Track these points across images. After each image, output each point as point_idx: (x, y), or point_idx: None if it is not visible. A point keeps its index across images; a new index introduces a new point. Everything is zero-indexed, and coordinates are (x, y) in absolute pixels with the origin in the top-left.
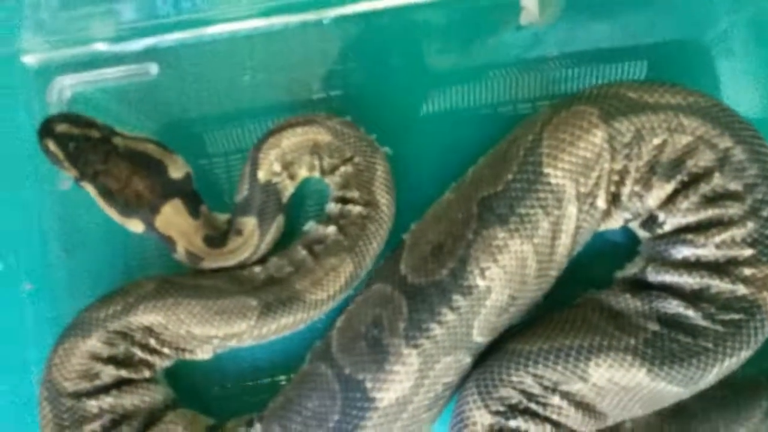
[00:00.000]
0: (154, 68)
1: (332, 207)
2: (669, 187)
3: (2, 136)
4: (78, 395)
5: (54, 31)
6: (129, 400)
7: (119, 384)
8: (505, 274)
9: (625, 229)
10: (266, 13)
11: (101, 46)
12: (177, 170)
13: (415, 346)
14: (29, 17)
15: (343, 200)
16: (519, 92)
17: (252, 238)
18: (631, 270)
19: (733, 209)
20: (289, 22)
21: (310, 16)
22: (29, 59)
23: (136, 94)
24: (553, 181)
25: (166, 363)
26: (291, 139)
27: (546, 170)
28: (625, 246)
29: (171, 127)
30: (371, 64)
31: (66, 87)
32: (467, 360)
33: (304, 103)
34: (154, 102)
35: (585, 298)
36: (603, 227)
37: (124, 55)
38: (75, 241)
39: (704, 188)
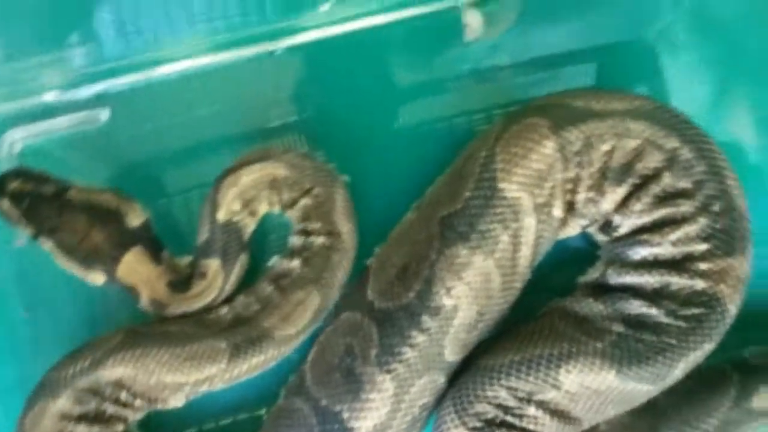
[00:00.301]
0: (105, 114)
1: (295, 240)
2: (621, 191)
3: None
4: None
5: (1, 84)
6: None
7: None
8: (471, 290)
9: (585, 235)
10: (215, 48)
11: (51, 96)
12: (135, 217)
13: (389, 372)
14: None
15: (305, 233)
16: (474, 104)
17: (216, 280)
18: (592, 275)
19: (685, 207)
20: (240, 56)
21: (260, 49)
22: None
23: (88, 142)
24: (509, 195)
25: (139, 415)
26: (249, 177)
27: (501, 185)
28: (586, 252)
29: (126, 171)
30: (325, 90)
31: (16, 140)
32: (441, 380)
33: (261, 132)
34: (107, 147)
35: (550, 307)
36: (562, 235)
37: (74, 102)
38: (36, 299)
39: (655, 189)
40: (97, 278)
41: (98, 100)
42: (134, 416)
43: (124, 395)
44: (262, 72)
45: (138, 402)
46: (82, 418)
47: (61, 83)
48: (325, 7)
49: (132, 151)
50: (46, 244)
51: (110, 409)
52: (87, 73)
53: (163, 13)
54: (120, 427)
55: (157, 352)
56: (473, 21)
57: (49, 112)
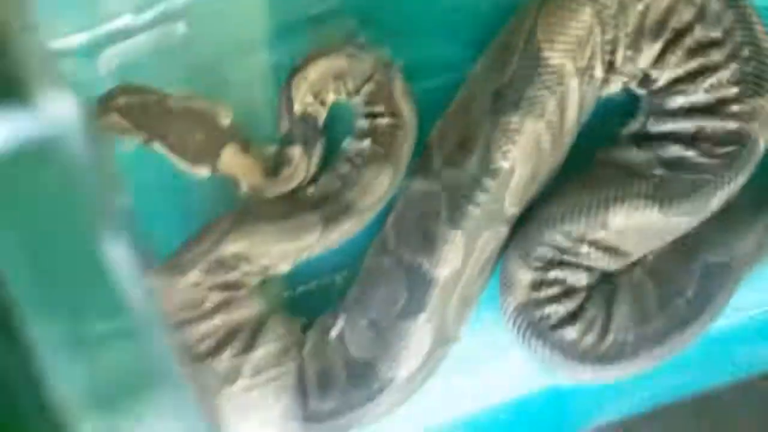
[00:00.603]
0: (182, 27)
1: (362, 122)
2: (657, 47)
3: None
4: (191, 321)
5: (88, 11)
6: (234, 316)
7: (222, 305)
8: (525, 152)
9: (626, 90)
10: None
11: (129, 18)
12: (225, 118)
13: (459, 228)
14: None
15: (371, 115)
16: None
17: (301, 164)
18: (634, 126)
19: (716, 55)
20: None
21: None
22: (74, 41)
23: (170, 55)
24: (552, 62)
25: (256, 279)
26: (315, 72)
27: (545, 54)
28: (627, 105)
29: (208, 79)
30: None
31: (111, 59)
32: (504, 230)
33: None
34: (188, 57)
35: (597, 159)
36: (605, 92)
37: (152, 20)
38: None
39: (688, 41)
40: (203, 171)
41: (174, 15)
42: (253, 281)
43: (243, 264)
44: None
45: (255, 268)
46: (212, 288)
47: (137, 4)
48: None
49: (212, 59)
50: (158, 147)
51: (233, 277)
52: None
53: None
54: (243, 291)
55: (265, 227)
56: None
57: (133, 31)
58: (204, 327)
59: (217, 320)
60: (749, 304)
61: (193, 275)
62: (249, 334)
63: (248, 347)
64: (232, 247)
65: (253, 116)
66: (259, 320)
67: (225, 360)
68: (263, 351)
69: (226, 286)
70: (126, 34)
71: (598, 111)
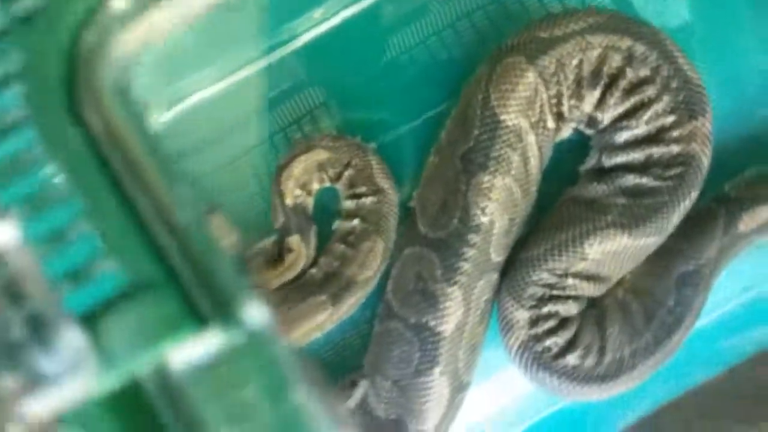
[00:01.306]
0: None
1: (349, 204)
2: (596, 93)
3: None
4: None
5: None
6: None
7: None
8: (500, 205)
9: (578, 133)
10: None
11: None
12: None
13: (455, 283)
14: None
15: (355, 196)
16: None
17: (301, 250)
18: (590, 163)
19: (650, 91)
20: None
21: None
22: None
23: None
24: (509, 123)
25: None
26: (299, 167)
27: (502, 117)
28: (581, 146)
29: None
30: (333, 76)
31: None
32: (495, 276)
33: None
34: None
35: (563, 198)
36: (558, 139)
37: None
38: None
39: (623, 83)
40: None
41: None
42: None
43: None
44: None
45: None
46: None
47: None
48: (318, 13)
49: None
50: None
51: None
52: None
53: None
54: None
55: (280, 316)
56: None
57: None
58: None
59: None
60: (724, 300)
61: None
62: None
63: None
64: None
65: (242, 214)
66: None
67: None
68: None
69: None
70: None
71: (557, 155)
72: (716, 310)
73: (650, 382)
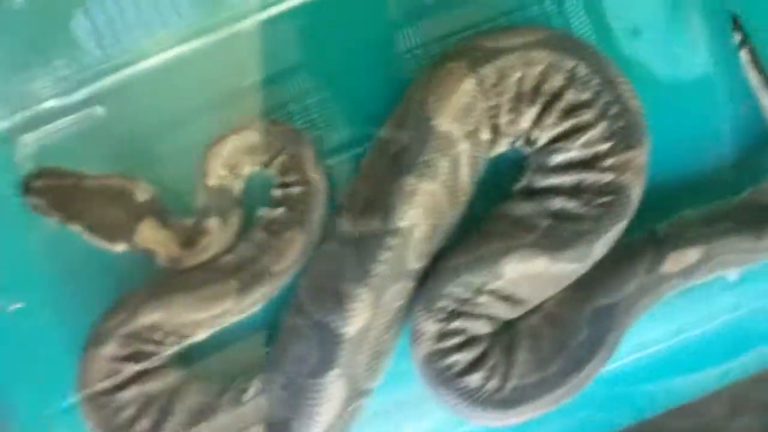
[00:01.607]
0: (101, 110)
1: (277, 192)
2: (535, 110)
3: None
4: (109, 392)
5: (7, 100)
6: (151, 386)
7: (140, 375)
8: (423, 211)
9: (515, 150)
10: (188, 38)
11: (51, 103)
12: (143, 193)
13: (365, 285)
14: None
15: (284, 185)
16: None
17: (218, 234)
18: (522, 182)
19: (587, 115)
20: (210, 41)
21: (235, 28)
22: None
23: (90, 137)
24: (441, 129)
25: (174, 349)
26: (229, 146)
27: (435, 122)
28: (518, 163)
29: (128, 157)
30: (285, 58)
31: (30, 144)
32: (410, 284)
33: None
34: (108, 138)
35: (492, 213)
36: (494, 153)
37: (72, 105)
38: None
39: (561, 104)
40: (119, 247)
41: (92, 100)
42: (170, 351)
43: (158, 335)
44: (231, 49)
45: (171, 339)
46: (127, 358)
47: (56, 91)
48: None
49: (130, 140)
50: (74, 227)
51: (149, 347)
52: (76, 80)
53: (135, 14)
54: (158, 360)
55: (180, 298)
56: None
57: (53, 116)
58: (121, 397)
59: (134, 390)
60: (646, 343)
61: (110, 347)
62: (166, 403)
63: (165, 415)
64: (147, 319)
65: (178, 190)
66: (176, 388)
67: (142, 430)
68: (179, 418)
69: (142, 357)
70: (46, 119)
71: (492, 169)
72: (638, 352)
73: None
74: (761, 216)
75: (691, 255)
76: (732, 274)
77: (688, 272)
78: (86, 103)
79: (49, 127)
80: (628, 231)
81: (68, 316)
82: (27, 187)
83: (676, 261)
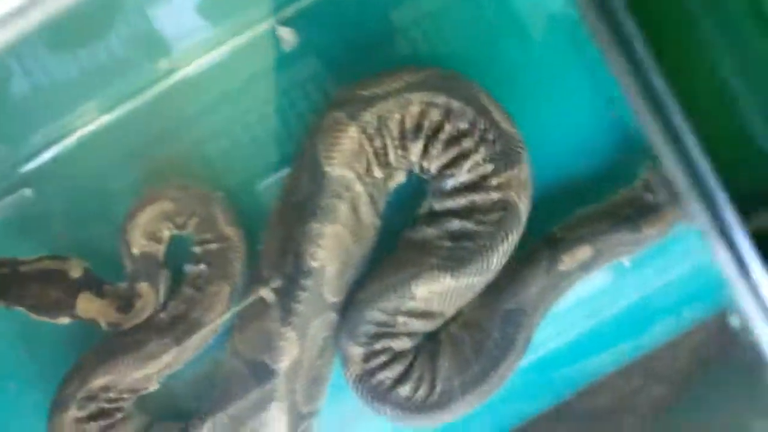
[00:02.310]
0: (28, 192)
1: (197, 249)
2: (420, 144)
3: None
4: None
5: None
6: None
7: (104, 430)
8: (330, 251)
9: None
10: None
11: None
12: (75, 270)
13: (289, 323)
14: None
15: (202, 242)
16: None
17: (149, 296)
18: (424, 207)
19: (468, 143)
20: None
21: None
22: None
23: (22, 219)
24: (334, 174)
25: (130, 402)
26: (144, 217)
27: (326, 169)
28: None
29: (63, 236)
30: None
31: None
32: (332, 315)
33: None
34: (39, 218)
35: (400, 240)
36: (393, 185)
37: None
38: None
39: (443, 136)
40: (64, 320)
41: (19, 184)
42: (127, 404)
43: (113, 393)
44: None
45: (125, 395)
46: (89, 418)
47: None
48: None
49: (62, 216)
50: (18, 309)
51: (106, 405)
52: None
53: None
54: (119, 414)
55: (124, 358)
56: (285, 33)
57: None
58: None
59: None
60: (561, 330)
61: (72, 411)
62: None
63: None
64: (99, 382)
65: (110, 255)
66: None
67: None
68: None
69: (103, 414)
70: None
71: (398, 199)
72: (552, 341)
73: (481, 415)
74: (637, 211)
75: (582, 252)
76: (625, 261)
77: (583, 267)
78: (15, 187)
79: None
80: (533, 234)
81: (33, 384)
82: None
83: (570, 259)
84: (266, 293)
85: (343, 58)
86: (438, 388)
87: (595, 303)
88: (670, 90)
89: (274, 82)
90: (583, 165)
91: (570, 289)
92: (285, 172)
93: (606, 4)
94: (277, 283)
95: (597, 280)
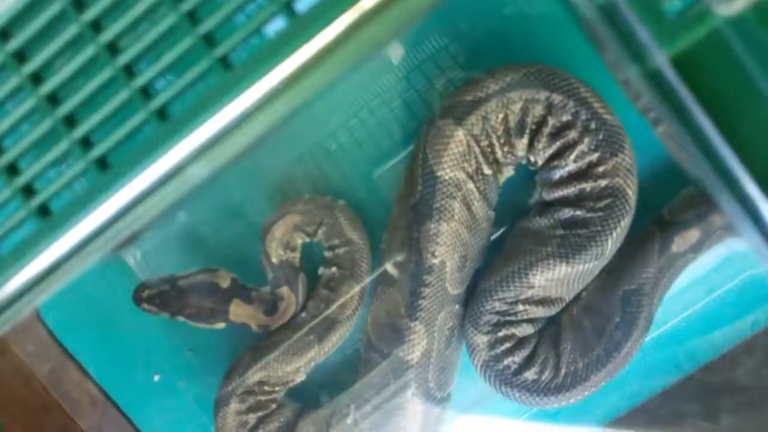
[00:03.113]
0: (182, 215)
1: (327, 254)
2: (525, 139)
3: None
4: None
5: None
6: (272, 426)
7: (261, 420)
8: (448, 247)
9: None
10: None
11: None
12: (225, 281)
13: (416, 318)
14: None
15: (331, 248)
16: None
17: (290, 298)
18: (535, 197)
19: (572, 134)
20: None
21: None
22: None
23: (179, 237)
24: (446, 177)
25: (282, 393)
26: (279, 230)
27: (439, 173)
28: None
29: (209, 251)
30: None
31: (135, 252)
32: (456, 307)
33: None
34: (191, 237)
35: (515, 230)
36: (504, 179)
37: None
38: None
39: (547, 129)
40: (219, 326)
41: (173, 207)
42: (280, 395)
43: (267, 387)
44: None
45: (277, 387)
46: (249, 410)
47: None
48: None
49: (211, 238)
50: (180, 319)
51: (262, 398)
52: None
53: None
54: (273, 405)
55: (275, 355)
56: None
57: (147, 227)
58: None
59: None
60: (685, 306)
61: (233, 405)
62: None
63: None
64: (254, 378)
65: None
66: (293, 422)
67: None
68: None
69: (259, 406)
70: (141, 231)
71: (513, 189)
72: (677, 317)
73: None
74: None
75: (691, 235)
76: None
77: (694, 249)
78: (170, 211)
79: (147, 235)
80: (642, 217)
81: (197, 381)
82: (138, 298)
83: (681, 241)
84: (392, 289)
85: (450, 52)
86: (563, 371)
87: (714, 278)
88: None
89: (385, 78)
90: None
91: (685, 269)
92: (396, 160)
93: None
94: (402, 280)
95: (714, 255)
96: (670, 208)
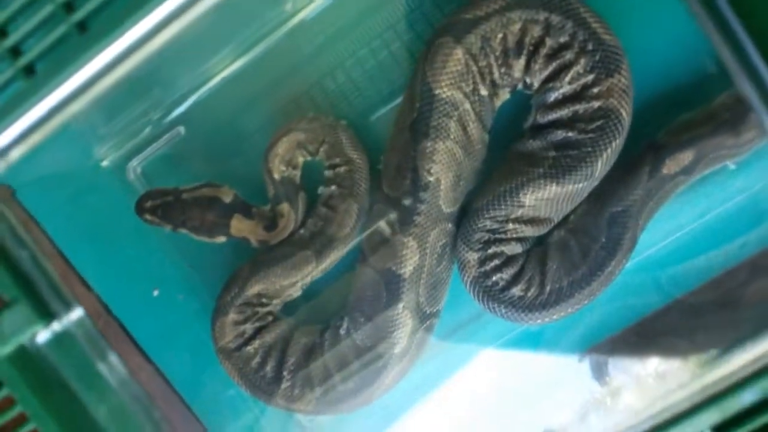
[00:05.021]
0: (182, 130)
1: (328, 173)
2: (522, 60)
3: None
4: (239, 347)
5: (119, 133)
6: (268, 337)
7: (259, 330)
8: (443, 165)
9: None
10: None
11: (146, 131)
12: (227, 196)
13: (410, 234)
14: (93, 136)
15: (332, 166)
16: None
17: (290, 215)
18: (529, 120)
19: (569, 55)
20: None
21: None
22: (106, 163)
23: (179, 153)
24: (443, 96)
25: (278, 307)
26: (282, 147)
27: (436, 91)
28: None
29: (211, 166)
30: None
31: (137, 165)
32: (449, 225)
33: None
34: (192, 153)
35: (509, 152)
36: (499, 102)
37: (161, 130)
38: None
39: (544, 50)
40: (220, 239)
41: (174, 122)
42: (276, 308)
43: (265, 299)
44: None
45: (274, 301)
46: (246, 321)
47: (145, 122)
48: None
49: (211, 151)
50: (182, 232)
51: (260, 310)
52: (162, 108)
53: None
54: (270, 317)
55: (274, 269)
56: None
57: (147, 141)
58: (248, 349)
59: (257, 343)
60: (672, 230)
61: (231, 315)
62: (282, 348)
63: (283, 357)
64: (253, 290)
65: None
66: (287, 335)
67: (269, 371)
68: (294, 358)
69: (257, 318)
70: (142, 146)
71: (507, 113)
72: (663, 241)
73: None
74: (735, 115)
75: (685, 156)
76: (730, 165)
77: (686, 171)
78: (171, 125)
79: (147, 150)
80: (637, 143)
81: (196, 296)
82: (140, 209)
83: (673, 163)
84: (387, 206)
85: None
86: (548, 288)
87: (702, 204)
88: None
89: (382, 16)
90: (683, 71)
91: (674, 193)
92: (394, 103)
93: None
94: (395, 197)
95: (703, 181)
96: (665, 131)
